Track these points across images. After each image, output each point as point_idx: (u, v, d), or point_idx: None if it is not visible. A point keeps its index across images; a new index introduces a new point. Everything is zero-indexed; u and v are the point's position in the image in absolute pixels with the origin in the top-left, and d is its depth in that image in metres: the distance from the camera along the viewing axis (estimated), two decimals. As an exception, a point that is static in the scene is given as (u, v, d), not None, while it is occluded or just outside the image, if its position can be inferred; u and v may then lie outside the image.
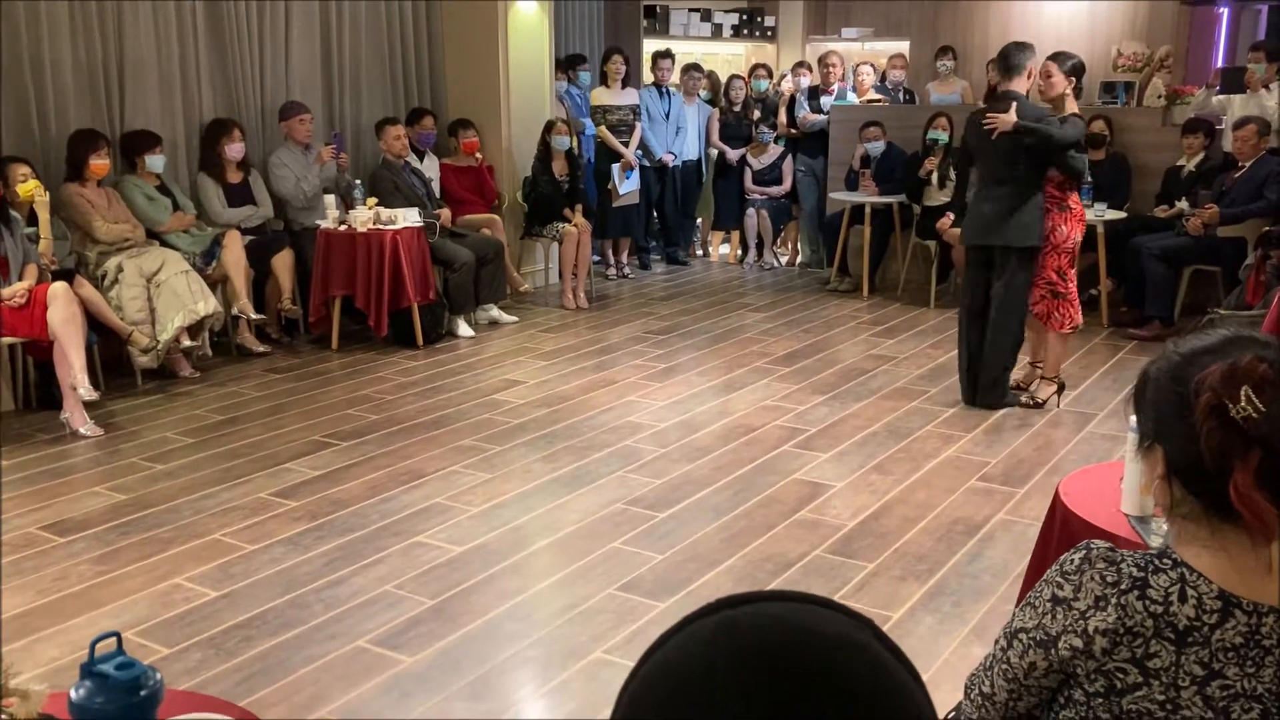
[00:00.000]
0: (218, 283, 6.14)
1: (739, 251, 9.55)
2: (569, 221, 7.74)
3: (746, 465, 4.63)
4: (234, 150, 6.40)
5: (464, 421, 5.22)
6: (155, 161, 6.05)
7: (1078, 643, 1.35)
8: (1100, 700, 1.34)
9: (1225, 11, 10.71)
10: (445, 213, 7.15)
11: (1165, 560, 1.35)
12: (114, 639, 1.48)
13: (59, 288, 5.04)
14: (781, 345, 6.66)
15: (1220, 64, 10.66)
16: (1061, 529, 2.31)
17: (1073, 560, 1.39)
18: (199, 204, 6.40)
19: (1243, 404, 1.28)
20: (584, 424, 5.18)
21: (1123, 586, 1.34)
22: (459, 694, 2.94)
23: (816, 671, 0.62)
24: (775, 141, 9.08)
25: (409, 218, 6.56)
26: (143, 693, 1.45)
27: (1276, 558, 1.31)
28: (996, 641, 1.47)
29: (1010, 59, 5.16)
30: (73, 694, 1.46)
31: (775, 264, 9.32)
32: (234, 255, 6.18)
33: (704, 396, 5.65)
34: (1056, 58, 5.15)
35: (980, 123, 5.17)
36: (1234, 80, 7.03)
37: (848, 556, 3.75)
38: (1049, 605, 1.39)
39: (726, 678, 0.62)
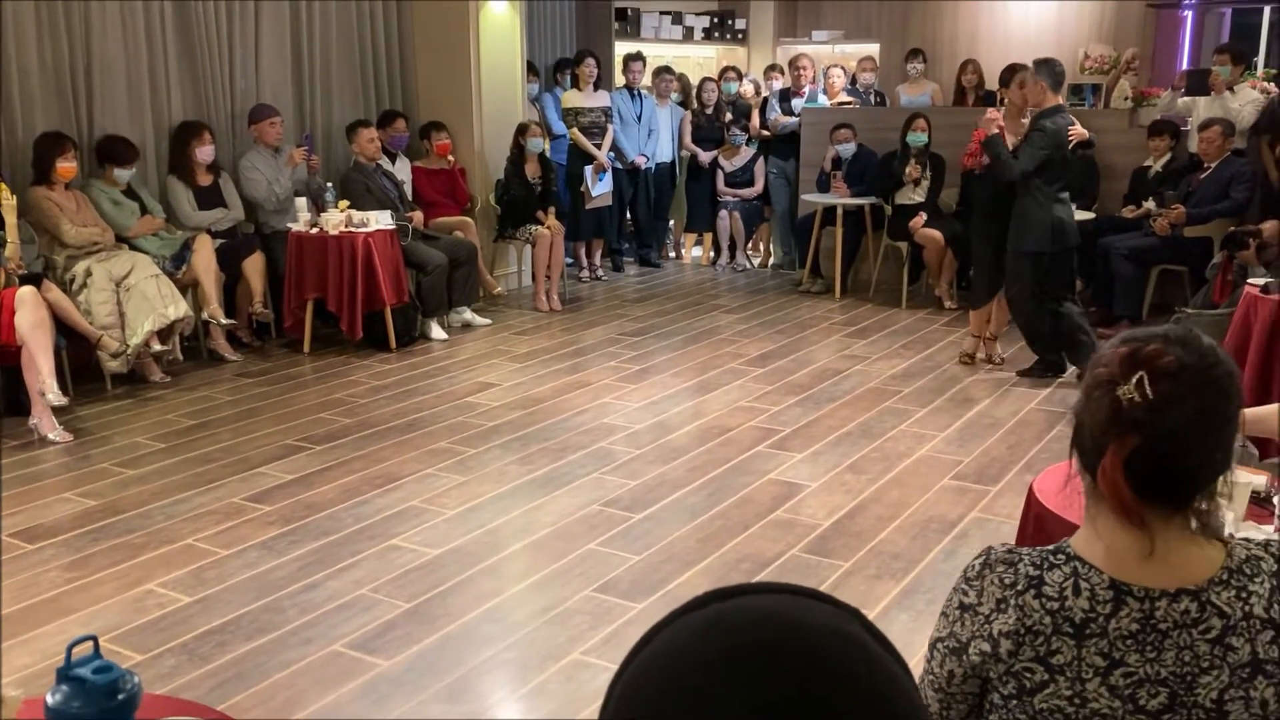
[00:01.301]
0: (188, 286, 6.09)
1: (711, 253, 9.57)
2: (542, 224, 7.73)
3: (721, 466, 4.64)
4: (204, 153, 6.35)
5: (438, 424, 5.21)
6: (125, 175, 5.99)
7: (986, 647, 1.36)
8: (1015, 702, 1.36)
9: (1189, 14, 10.84)
10: (417, 215, 7.13)
11: (1059, 555, 1.37)
12: (90, 643, 1.46)
13: (26, 292, 4.99)
14: (755, 346, 6.68)
15: (1185, 66, 10.78)
16: (1036, 526, 2.33)
17: (974, 566, 1.41)
18: (168, 207, 6.35)
19: (1130, 386, 1.30)
20: (559, 426, 5.18)
21: (1019, 587, 1.35)
22: (436, 696, 2.93)
23: (807, 663, 0.62)
24: (747, 144, 9.11)
25: (381, 220, 6.54)
26: (120, 697, 1.44)
27: (1154, 543, 1.33)
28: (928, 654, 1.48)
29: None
30: (49, 699, 1.44)
31: (748, 265, 9.35)
32: (204, 259, 6.13)
33: (678, 398, 5.66)
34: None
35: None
36: (1199, 83, 7.12)
37: (823, 556, 3.77)
38: (958, 613, 1.40)
39: (719, 670, 0.62)
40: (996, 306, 6.14)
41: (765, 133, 9.01)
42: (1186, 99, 7.33)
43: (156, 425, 5.19)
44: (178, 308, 5.71)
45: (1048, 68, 5.54)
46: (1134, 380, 1.31)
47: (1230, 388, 1.35)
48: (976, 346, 6.25)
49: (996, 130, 5.57)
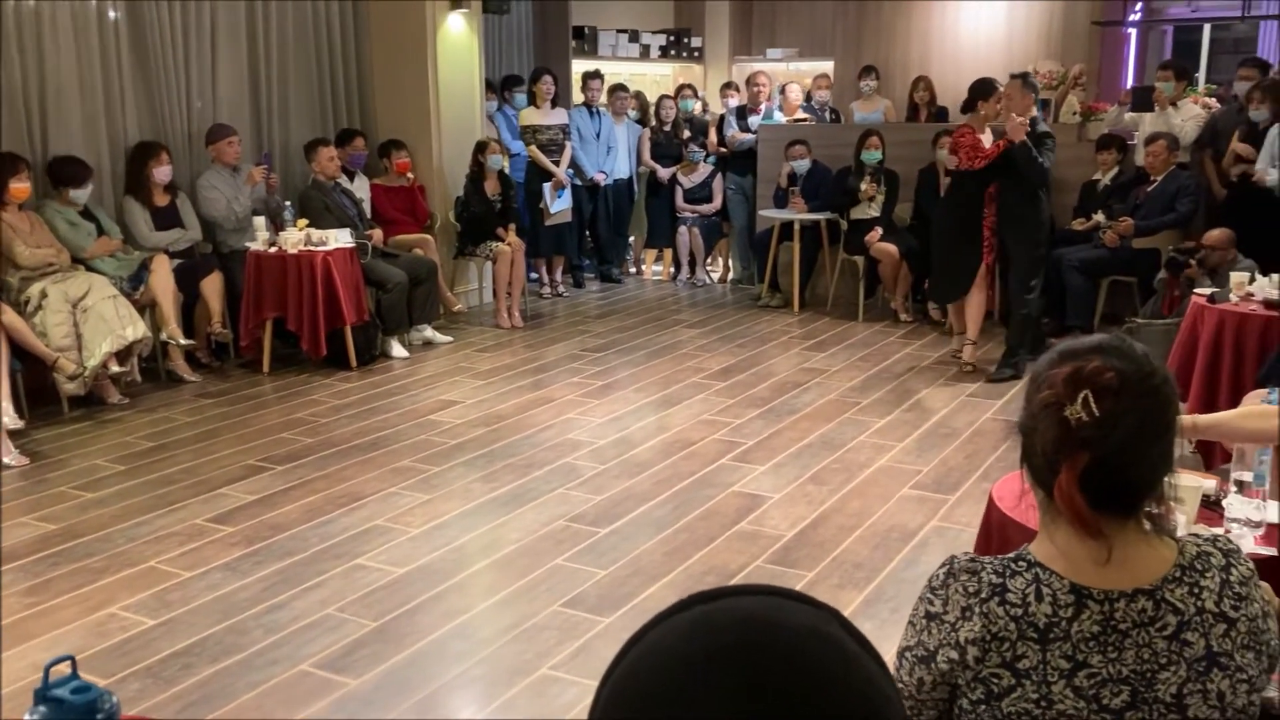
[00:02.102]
0: (146, 307, 6.04)
1: (671, 269, 9.64)
2: (502, 240, 7.75)
3: (685, 479, 4.68)
4: (162, 173, 6.31)
5: (401, 443, 5.20)
6: (80, 195, 5.94)
7: (954, 655, 1.40)
8: (983, 707, 1.39)
9: (1133, 32, 11.10)
10: (377, 233, 7.12)
11: (1021, 562, 1.41)
12: (68, 663, 1.47)
13: (-19, 314, 4.93)
14: (716, 360, 6.73)
15: (1130, 80, 11.03)
16: (998, 533, 2.39)
17: (939, 576, 1.45)
18: (125, 228, 6.30)
19: (1077, 406, 1.35)
20: (523, 442, 5.19)
21: (983, 595, 1.39)
22: (405, 715, 2.93)
23: (788, 662, 0.64)
24: (705, 160, 9.20)
25: (340, 238, 6.52)
26: (99, 717, 1.44)
27: (1111, 549, 1.37)
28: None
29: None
30: (27, 718, 1.44)
31: (707, 281, 9.42)
32: (162, 279, 6.08)
33: (642, 412, 5.70)
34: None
35: None
36: (1144, 99, 7.29)
37: (787, 566, 3.81)
38: (924, 622, 1.44)
39: (704, 671, 0.64)
40: (978, 304, 6.41)
41: (723, 149, 9.10)
42: (1133, 114, 7.50)
43: (115, 447, 5.14)
44: (136, 329, 5.66)
45: (1030, 80, 6.08)
46: (1079, 400, 1.36)
47: (1168, 394, 1.41)
48: (973, 353, 6.48)
49: (1024, 137, 5.85)
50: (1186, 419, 2.24)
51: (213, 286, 6.38)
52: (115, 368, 5.62)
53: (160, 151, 6.34)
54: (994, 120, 6.08)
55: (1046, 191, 6.13)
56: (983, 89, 6.17)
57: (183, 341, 6.15)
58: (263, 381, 6.33)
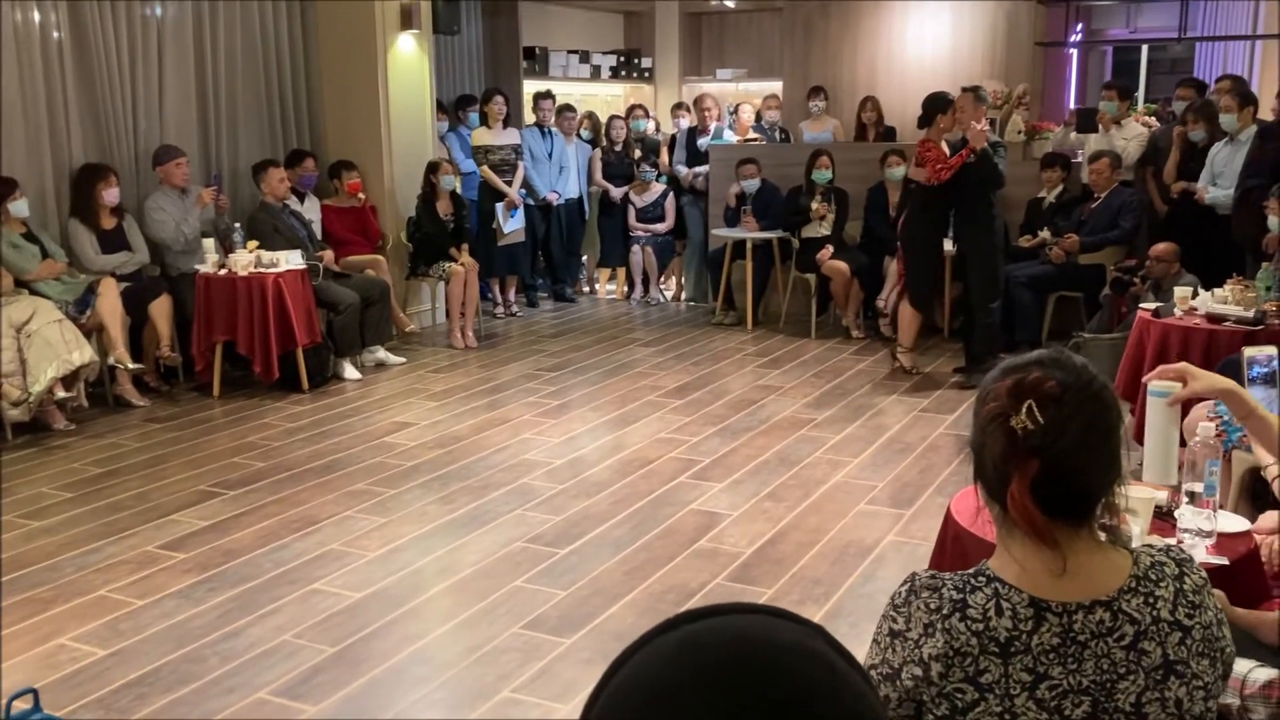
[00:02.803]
0: (92, 331, 5.94)
1: (625, 288, 9.66)
2: (455, 261, 7.73)
3: (644, 498, 4.68)
4: (110, 195, 6.22)
5: (356, 465, 5.15)
6: (19, 207, 5.83)
7: (918, 671, 1.41)
8: None
9: (1075, 52, 11.33)
10: (328, 254, 7.07)
11: (980, 578, 1.43)
12: (30, 695, 1.44)
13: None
14: (672, 379, 6.75)
15: (1072, 99, 11.26)
16: (954, 545, 2.41)
17: (901, 594, 1.47)
18: (70, 251, 6.20)
19: (1022, 416, 1.39)
20: (479, 463, 5.17)
21: (944, 611, 1.41)
22: (366, 741, 2.90)
23: (779, 680, 0.65)
24: (657, 179, 9.25)
25: (291, 260, 6.47)
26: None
27: (1065, 559, 1.40)
28: None
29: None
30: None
31: (661, 299, 9.45)
32: (109, 303, 5.99)
33: (598, 432, 5.69)
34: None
35: None
36: (1088, 121, 7.46)
37: (747, 584, 3.82)
38: (888, 639, 1.45)
39: (691, 690, 0.65)
40: (912, 317, 6.60)
41: (681, 169, 9.15)
42: (1079, 135, 7.66)
43: (62, 474, 5.04)
44: (82, 353, 5.56)
45: (981, 93, 6.35)
46: (1024, 409, 1.39)
47: (1107, 398, 1.45)
48: (912, 359, 6.80)
49: (986, 145, 6.15)
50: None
51: (161, 310, 6.29)
52: (61, 393, 5.51)
53: (109, 174, 6.26)
54: (949, 133, 6.26)
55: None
56: (940, 103, 6.34)
57: (131, 366, 6.05)
58: (213, 405, 6.25)
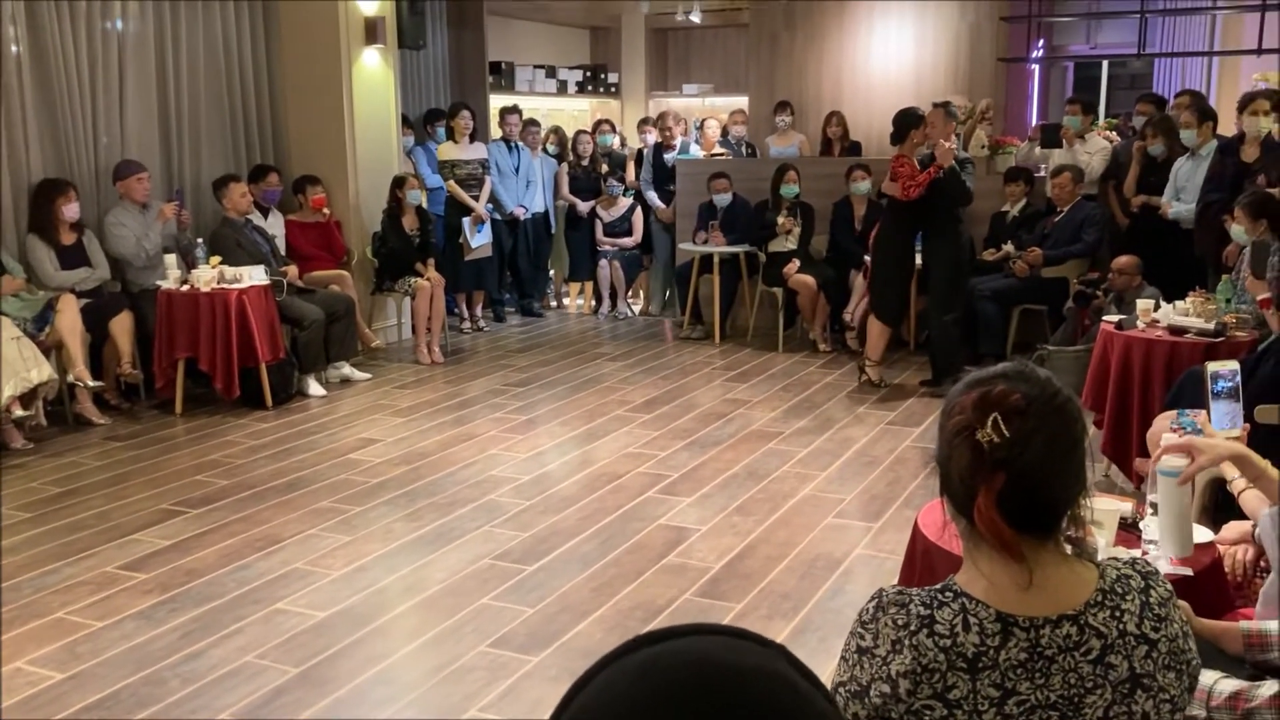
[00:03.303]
0: (52, 349, 5.85)
1: (592, 302, 9.65)
2: (421, 276, 7.69)
3: (612, 513, 4.66)
4: (70, 211, 6.14)
5: (320, 483, 5.10)
6: None
7: (886, 689, 1.40)
8: None
9: (1037, 68, 11.46)
10: (292, 269, 7.01)
11: (947, 593, 1.43)
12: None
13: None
14: (640, 393, 6.74)
15: (1034, 113, 11.39)
16: (923, 559, 2.41)
17: (868, 610, 1.46)
18: (29, 267, 6.11)
19: (988, 429, 1.39)
20: (445, 480, 5.13)
21: (912, 628, 1.40)
22: (331, 763, 2.85)
23: (742, 703, 0.64)
24: (624, 194, 9.26)
25: (254, 276, 6.41)
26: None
27: (1032, 572, 1.40)
28: None
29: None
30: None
31: (629, 313, 9.44)
32: (69, 319, 5.90)
33: (566, 446, 5.67)
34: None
35: None
36: (1052, 136, 7.54)
37: (716, 599, 3.81)
38: (856, 656, 1.44)
39: (654, 715, 0.63)
40: (880, 331, 6.65)
41: (652, 195, 9.15)
42: (1043, 150, 7.74)
43: (20, 494, 4.95)
44: (41, 371, 5.48)
45: (951, 109, 6.49)
46: (989, 422, 1.39)
47: (1073, 411, 1.45)
48: (879, 372, 6.81)
49: (954, 162, 6.27)
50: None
51: (122, 326, 6.21)
52: (19, 411, 5.43)
53: (69, 189, 6.17)
54: (921, 147, 6.34)
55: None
56: (912, 119, 6.40)
57: (91, 383, 5.97)
58: (175, 423, 6.17)
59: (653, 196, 9.14)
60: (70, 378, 5.92)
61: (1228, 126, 7.01)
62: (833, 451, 5.51)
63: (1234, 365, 2.66)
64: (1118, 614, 1.40)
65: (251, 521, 4.60)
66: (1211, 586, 2.33)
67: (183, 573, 4.07)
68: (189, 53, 7.20)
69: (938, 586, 1.45)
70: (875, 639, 1.42)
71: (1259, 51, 8.01)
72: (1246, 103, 6.29)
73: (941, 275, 6.50)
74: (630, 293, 9.62)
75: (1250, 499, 2.40)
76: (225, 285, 6.23)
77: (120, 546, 4.33)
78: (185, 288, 6.25)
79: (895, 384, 6.87)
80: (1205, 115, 6.58)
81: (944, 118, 6.33)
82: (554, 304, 10.02)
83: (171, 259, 6.44)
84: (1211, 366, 2.67)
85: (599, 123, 9.79)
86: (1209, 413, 2.60)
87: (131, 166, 6.56)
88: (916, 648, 1.39)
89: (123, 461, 5.45)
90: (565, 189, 9.33)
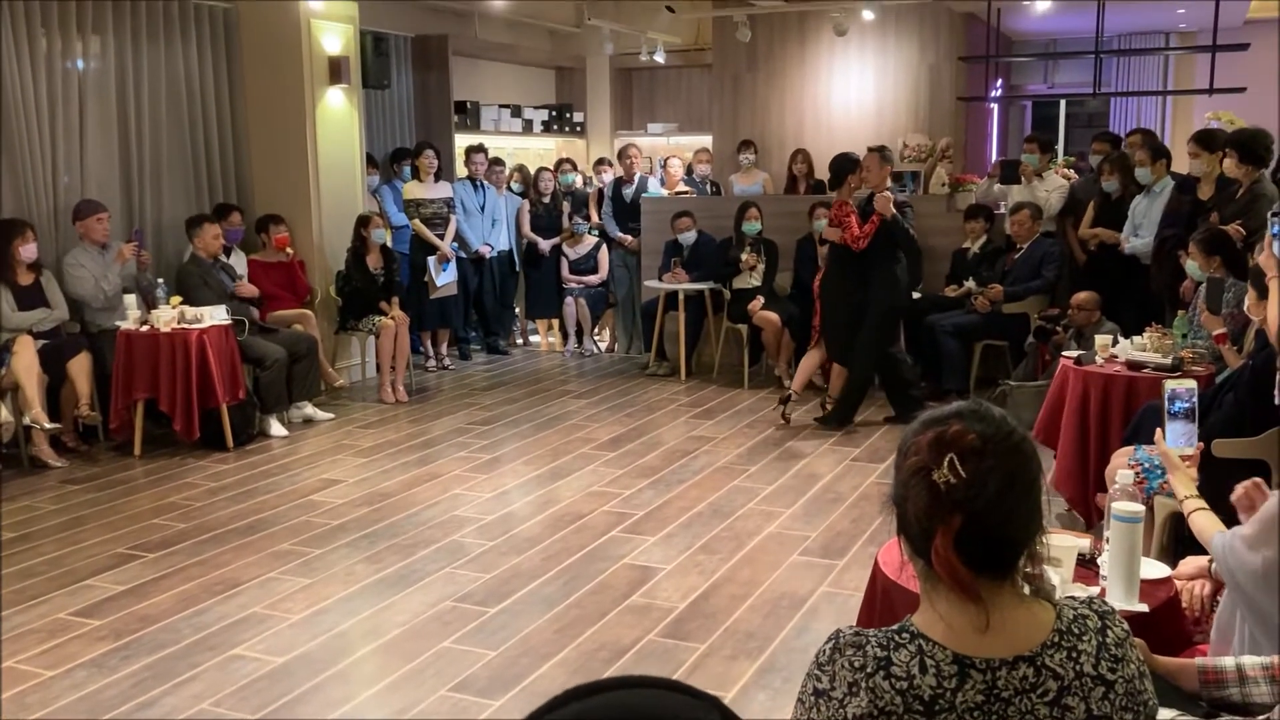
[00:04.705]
0: (7, 391, 5.76)
1: (558, 339, 9.64)
2: (385, 314, 7.65)
3: (576, 553, 4.63)
4: (27, 251, 6.07)
5: (280, 525, 5.03)
6: None
7: None
8: None
9: (996, 107, 11.64)
10: (252, 288, 6.98)
11: (904, 634, 1.42)
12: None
13: None
14: (605, 430, 6.72)
15: (994, 151, 11.55)
16: (883, 598, 2.41)
17: (825, 651, 1.44)
18: (-16, 308, 6.03)
19: (944, 470, 1.38)
20: (408, 521, 5.08)
21: (869, 669, 1.39)
22: (286, 814, 2.79)
23: None
24: (589, 232, 9.29)
25: (215, 315, 6.35)
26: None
27: (989, 614, 1.40)
28: None
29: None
30: None
31: (595, 350, 9.44)
32: (25, 361, 5.82)
33: (530, 486, 5.63)
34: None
35: None
36: (1012, 173, 7.64)
37: (680, 639, 3.78)
38: (813, 699, 1.42)
39: None
40: (839, 372, 6.73)
41: (613, 227, 9.19)
42: (1002, 186, 7.84)
43: (-29, 540, 4.86)
44: (-5, 413, 5.39)
45: (888, 153, 6.45)
46: (945, 463, 1.38)
47: (1029, 450, 1.45)
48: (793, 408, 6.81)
49: (894, 211, 6.28)
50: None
51: (80, 367, 6.12)
52: (-28, 455, 5.33)
53: (26, 229, 6.11)
54: (859, 190, 6.37)
55: (906, 255, 6.52)
56: (848, 164, 6.45)
57: (47, 426, 5.87)
58: (134, 465, 6.08)
59: (614, 229, 9.17)
60: (26, 420, 5.83)
61: (1182, 164, 7.13)
62: (797, 488, 5.51)
63: (1191, 384, 2.70)
64: (1074, 655, 1.40)
65: (209, 565, 4.53)
66: (1169, 622, 2.34)
67: (137, 618, 3.99)
68: (150, 92, 7.17)
69: (894, 628, 1.44)
70: (832, 681, 1.41)
71: (1210, 91, 8.19)
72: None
73: (881, 314, 6.52)
74: (597, 330, 9.63)
75: (1200, 520, 2.42)
76: (186, 325, 6.17)
77: (73, 593, 4.24)
78: (145, 328, 6.19)
79: (858, 421, 6.88)
80: (1158, 153, 6.71)
81: (879, 162, 6.34)
82: (519, 341, 10.01)
83: (131, 299, 6.37)
84: (1169, 385, 2.70)
85: (560, 161, 9.83)
86: (1164, 431, 2.65)
87: (91, 206, 6.50)
88: (873, 690, 1.37)
89: (79, 505, 5.36)
90: (526, 226, 9.35)
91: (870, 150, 6.50)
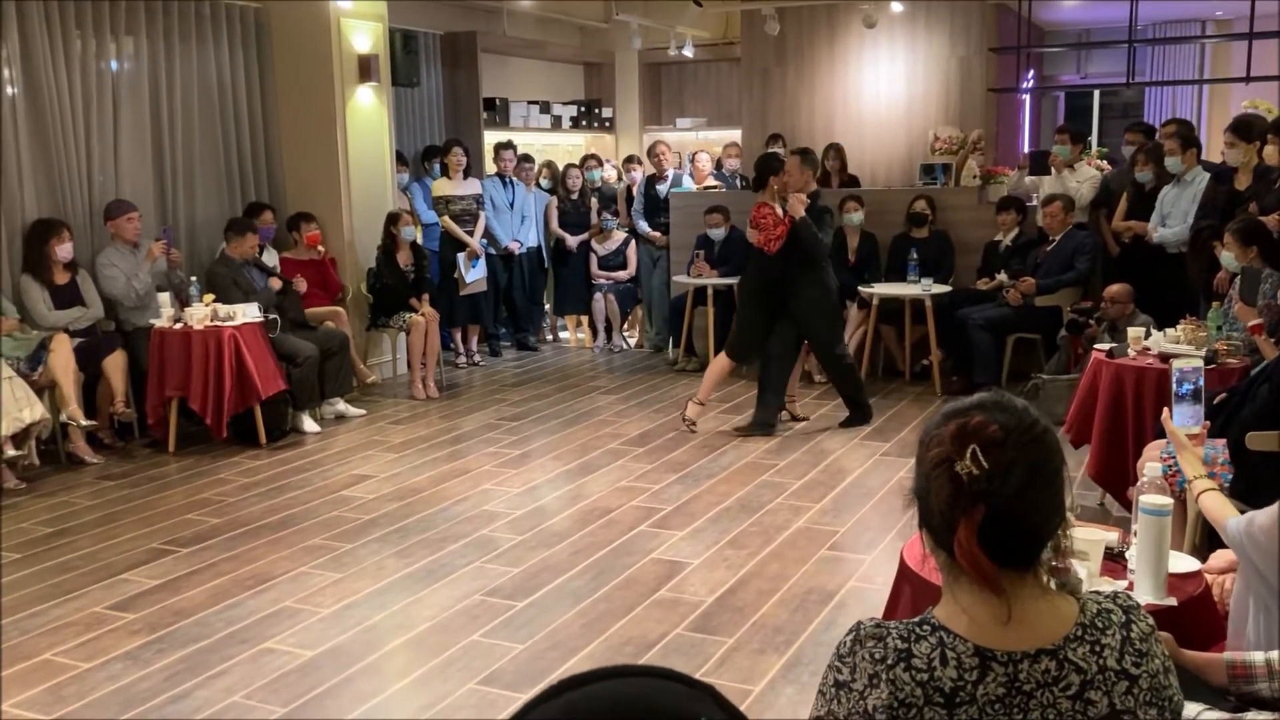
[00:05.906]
0: (45, 388, 5.85)
1: (588, 335, 9.66)
2: (416, 311, 7.70)
3: (604, 548, 4.64)
4: (64, 251, 6.16)
5: (312, 520, 5.08)
6: None
7: None
8: None
9: (1027, 98, 11.54)
10: (276, 282, 7.00)
11: (925, 626, 1.42)
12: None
13: None
14: (634, 426, 6.72)
15: (1026, 143, 11.45)
16: (907, 592, 2.39)
17: (846, 643, 1.44)
18: (22, 307, 6.12)
19: (967, 461, 1.38)
20: (438, 516, 5.11)
21: (889, 661, 1.39)
22: (315, 805, 2.82)
23: None
24: (618, 228, 9.30)
25: (248, 313, 6.42)
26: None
27: (1011, 606, 1.39)
28: None
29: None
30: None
31: (625, 346, 9.45)
32: (62, 359, 5.90)
33: (559, 481, 5.65)
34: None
35: None
36: (1042, 163, 7.57)
37: (708, 633, 3.78)
38: (834, 690, 1.42)
39: None
40: (722, 370, 6.62)
41: (642, 224, 9.18)
42: (1033, 178, 7.77)
43: (11, 534, 4.93)
44: (34, 410, 5.48)
45: (811, 157, 6.46)
46: (968, 454, 1.38)
47: (1051, 441, 1.44)
48: (699, 413, 6.60)
49: (803, 214, 6.17)
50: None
51: (115, 365, 6.21)
52: (11, 451, 5.42)
53: (62, 229, 6.19)
54: (781, 194, 6.28)
55: (829, 261, 6.45)
56: (772, 165, 6.38)
57: (84, 423, 5.96)
58: (168, 461, 6.16)
59: (644, 226, 9.15)
60: (63, 417, 5.92)
61: (1214, 155, 7.05)
62: (826, 483, 5.49)
63: (1198, 364, 2.72)
64: (1098, 649, 1.39)
65: (242, 560, 4.58)
66: (1198, 617, 2.31)
67: (171, 612, 4.04)
68: (183, 92, 7.25)
69: (916, 620, 1.44)
70: (852, 673, 1.41)
71: (1247, 79, 8.07)
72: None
73: (816, 318, 6.40)
74: (626, 325, 9.64)
75: (1209, 500, 2.40)
76: (219, 323, 6.23)
77: (109, 587, 4.31)
78: (178, 326, 6.26)
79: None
80: (1188, 143, 6.62)
81: (800, 166, 6.29)
82: (549, 338, 10.03)
83: (165, 297, 6.45)
84: (1176, 366, 2.70)
85: (586, 157, 9.83)
86: (1171, 411, 2.66)
87: (122, 206, 6.58)
88: (893, 682, 1.37)
89: (114, 500, 5.43)
90: (554, 223, 9.37)
91: (792, 152, 6.51)
